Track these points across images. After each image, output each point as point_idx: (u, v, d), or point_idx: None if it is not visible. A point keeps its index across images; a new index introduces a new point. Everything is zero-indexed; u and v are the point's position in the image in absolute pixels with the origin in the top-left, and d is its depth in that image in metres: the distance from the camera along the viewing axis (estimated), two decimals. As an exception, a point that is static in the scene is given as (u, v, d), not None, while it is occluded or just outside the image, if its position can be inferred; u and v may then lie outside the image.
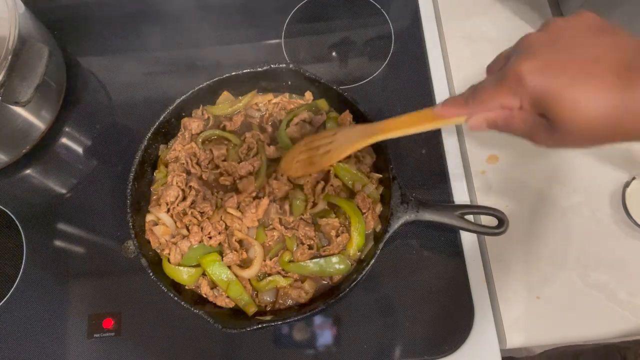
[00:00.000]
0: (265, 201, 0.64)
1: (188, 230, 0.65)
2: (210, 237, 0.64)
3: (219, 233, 0.64)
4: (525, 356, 0.85)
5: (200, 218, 0.65)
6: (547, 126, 0.40)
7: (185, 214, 0.65)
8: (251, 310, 0.62)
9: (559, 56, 0.38)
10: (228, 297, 0.63)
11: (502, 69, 0.42)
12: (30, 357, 0.66)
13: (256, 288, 0.63)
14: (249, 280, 0.64)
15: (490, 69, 0.46)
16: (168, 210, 0.66)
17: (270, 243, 0.65)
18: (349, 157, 0.68)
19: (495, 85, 0.43)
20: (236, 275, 0.63)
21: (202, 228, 0.64)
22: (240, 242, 0.65)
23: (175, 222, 0.66)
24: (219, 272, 0.63)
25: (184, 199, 0.66)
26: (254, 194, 0.66)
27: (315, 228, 0.65)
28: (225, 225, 0.65)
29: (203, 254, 0.64)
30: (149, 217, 0.66)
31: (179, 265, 0.63)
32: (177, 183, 0.67)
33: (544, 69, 0.38)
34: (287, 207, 0.65)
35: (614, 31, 0.39)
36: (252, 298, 0.63)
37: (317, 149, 0.59)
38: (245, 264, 0.64)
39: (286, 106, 0.72)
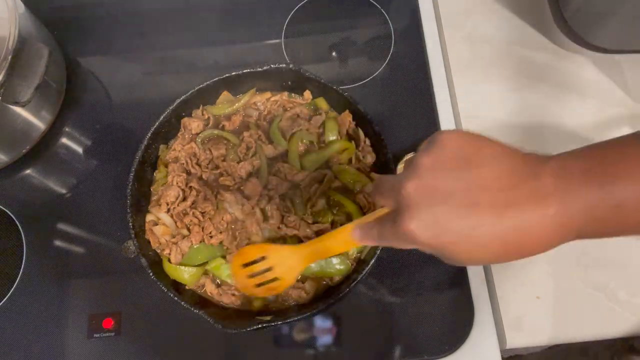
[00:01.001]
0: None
1: (189, 230, 0.65)
2: (211, 236, 0.64)
3: (220, 232, 0.64)
4: (530, 352, 0.85)
5: (201, 218, 0.65)
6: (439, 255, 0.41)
7: (186, 214, 0.65)
8: (258, 304, 0.63)
9: (439, 209, 0.37)
10: (234, 294, 0.63)
11: (394, 212, 0.41)
12: (30, 357, 0.66)
13: None
14: None
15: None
16: (168, 211, 0.66)
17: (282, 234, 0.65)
18: (350, 160, 0.69)
19: (393, 237, 0.42)
20: None
21: (202, 228, 0.64)
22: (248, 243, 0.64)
23: (176, 222, 0.66)
24: (229, 272, 0.63)
25: (185, 199, 0.66)
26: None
27: (316, 232, 0.65)
28: (227, 224, 0.65)
29: (206, 258, 0.64)
30: (149, 217, 0.66)
31: (180, 265, 0.63)
32: (177, 183, 0.67)
33: (431, 229, 0.37)
34: (289, 204, 0.65)
35: (479, 156, 0.37)
36: None
37: (260, 277, 0.57)
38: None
39: (285, 105, 0.72)
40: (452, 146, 0.38)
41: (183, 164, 0.69)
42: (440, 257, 0.41)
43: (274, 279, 0.57)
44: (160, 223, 0.66)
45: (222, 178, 0.68)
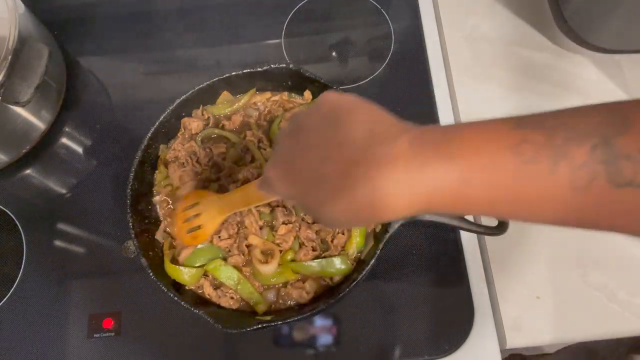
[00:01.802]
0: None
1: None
2: (221, 239, 0.64)
3: (229, 237, 0.64)
4: (537, 354, 0.85)
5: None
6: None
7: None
8: (261, 308, 0.62)
9: (296, 161, 0.39)
10: (232, 297, 0.63)
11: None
12: (30, 357, 0.66)
13: (265, 283, 0.63)
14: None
15: None
16: None
17: (277, 242, 0.65)
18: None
19: (262, 181, 0.47)
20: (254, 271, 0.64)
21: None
22: (248, 246, 0.64)
23: None
24: (227, 274, 0.63)
25: None
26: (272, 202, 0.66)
27: (316, 232, 0.65)
28: (238, 228, 0.65)
29: (208, 259, 0.64)
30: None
31: (182, 265, 0.63)
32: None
33: (284, 176, 0.41)
34: (289, 206, 0.65)
35: (348, 115, 0.38)
36: (262, 296, 0.63)
37: (189, 222, 0.61)
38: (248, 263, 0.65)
39: (285, 104, 0.72)
40: (326, 104, 0.40)
41: (183, 163, 0.69)
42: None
43: (199, 227, 0.60)
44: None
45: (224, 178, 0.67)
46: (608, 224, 0.34)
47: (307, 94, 0.72)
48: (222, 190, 0.66)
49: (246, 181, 0.67)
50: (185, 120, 0.71)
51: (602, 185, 0.32)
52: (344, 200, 0.36)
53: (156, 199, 0.69)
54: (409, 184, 0.34)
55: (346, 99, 0.39)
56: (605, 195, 0.32)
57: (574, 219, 0.35)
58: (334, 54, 0.82)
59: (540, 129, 0.34)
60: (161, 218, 0.68)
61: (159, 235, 0.67)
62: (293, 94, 0.73)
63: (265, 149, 0.69)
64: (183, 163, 0.69)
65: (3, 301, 0.68)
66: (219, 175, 0.67)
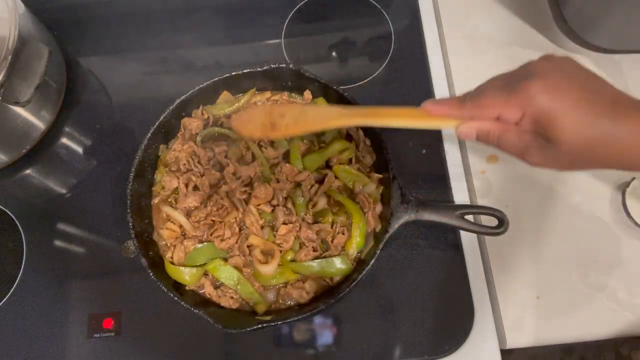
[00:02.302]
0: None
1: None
2: (222, 240, 0.64)
3: (231, 236, 0.64)
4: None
5: (217, 220, 0.65)
6: (541, 144, 0.44)
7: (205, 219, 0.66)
8: (261, 308, 0.63)
9: (564, 82, 0.42)
10: (232, 297, 0.63)
11: (509, 84, 0.44)
12: (30, 357, 0.66)
13: (265, 283, 0.63)
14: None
15: (489, 84, 0.48)
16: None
17: (278, 242, 0.65)
18: (350, 160, 0.69)
19: (502, 95, 0.44)
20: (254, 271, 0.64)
21: (215, 230, 0.65)
22: (249, 246, 0.64)
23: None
24: (227, 274, 0.63)
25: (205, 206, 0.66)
26: (272, 201, 0.66)
27: (317, 232, 0.65)
28: (239, 227, 0.65)
29: (207, 259, 0.64)
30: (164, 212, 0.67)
31: (182, 265, 0.63)
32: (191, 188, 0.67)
33: (552, 91, 0.42)
34: (290, 205, 0.65)
35: (597, 76, 0.44)
36: (262, 296, 0.63)
37: (282, 116, 0.57)
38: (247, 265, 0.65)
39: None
40: (574, 63, 0.44)
41: (184, 164, 0.69)
42: (526, 148, 0.45)
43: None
44: (168, 227, 0.66)
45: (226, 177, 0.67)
46: None
47: (307, 93, 0.72)
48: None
49: (249, 180, 0.67)
50: (185, 120, 0.71)
51: None
52: (604, 126, 0.40)
53: (155, 200, 0.69)
54: None
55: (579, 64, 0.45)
56: None
57: None
58: (334, 54, 0.82)
59: None
60: (154, 222, 0.68)
61: (155, 235, 0.67)
62: (293, 94, 0.73)
63: (265, 147, 0.69)
64: (180, 168, 0.69)
65: (3, 301, 0.68)
66: (222, 174, 0.67)
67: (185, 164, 0.69)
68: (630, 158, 0.42)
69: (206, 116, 0.72)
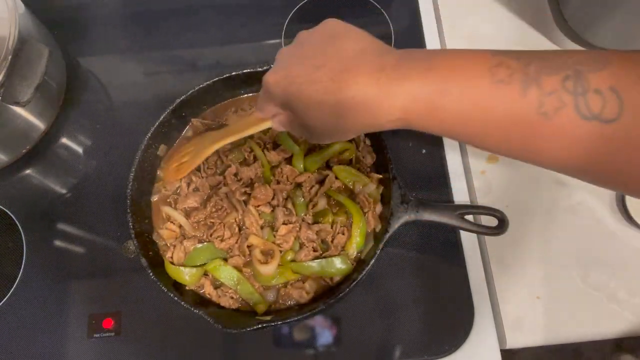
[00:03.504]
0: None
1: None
2: (222, 240, 0.64)
3: (231, 236, 0.64)
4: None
5: (217, 220, 0.65)
6: (300, 124, 0.47)
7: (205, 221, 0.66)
8: (261, 308, 0.63)
9: (294, 67, 0.44)
10: (232, 297, 0.63)
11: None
12: (30, 357, 0.66)
13: (265, 283, 0.63)
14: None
15: None
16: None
17: (278, 242, 0.65)
18: (350, 160, 0.69)
19: (260, 96, 0.51)
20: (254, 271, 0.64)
21: (214, 230, 0.64)
22: (249, 246, 0.64)
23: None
24: (227, 274, 0.63)
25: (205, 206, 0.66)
26: (272, 202, 0.66)
27: (317, 232, 0.65)
28: (239, 227, 0.65)
29: (207, 259, 0.64)
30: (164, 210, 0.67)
31: (182, 265, 0.63)
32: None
33: (282, 80, 0.44)
34: (290, 206, 0.65)
35: (345, 35, 0.44)
36: (262, 296, 0.63)
37: (183, 157, 0.67)
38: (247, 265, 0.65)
39: None
40: (327, 25, 0.46)
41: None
42: (295, 129, 0.50)
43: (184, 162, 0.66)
44: (168, 227, 0.66)
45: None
46: (566, 155, 0.36)
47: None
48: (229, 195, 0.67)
49: (250, 181, 0.67)
50: (195, 121, 0.72)
51: (568, 114, 0.33)
52: (331, 101, 0.40)
53: (154, 197, 0.69)
54: (390, 91, 0.38)
55: (346, 24, 0.45)
56: (570, 125, 0.33)
57: (536, 148, 0.37)
58: (334, 54, 0.82)
59: (518, 58, 0.37)
60: (154, 222, 0.68)
61: (154, 236, 0.67)
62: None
63: (269, 151, 0.69)
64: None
65: (3, 301, 0.68)
66: (223, 176, 0.67)
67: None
68: (372, 122, 0.42)
69: (216, 119, 0.72)
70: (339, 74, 0.40)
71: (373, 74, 0.39)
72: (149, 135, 0.67)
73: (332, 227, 0.65)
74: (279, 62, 0.47)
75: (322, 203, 0.66)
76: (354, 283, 0.60)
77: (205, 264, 0.64)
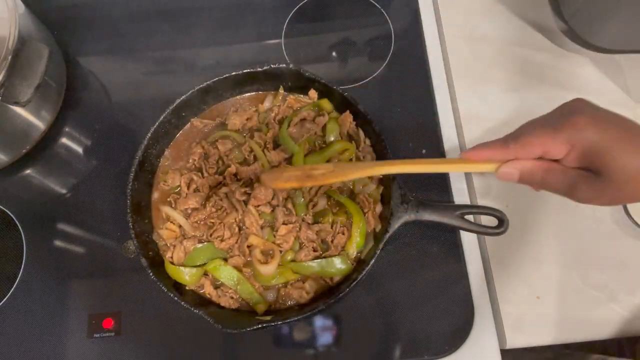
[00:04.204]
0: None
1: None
2: (222, 240, 0.64)
3: (231, 236, 0.64)
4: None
5: (216, 221, 0.65)
6: (589, 179, 0.44)
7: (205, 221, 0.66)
8: (261, 308, 0.62)
9: (607, 117, 0.44)
10: (232, 297, 0.63)
11: (551, 121, 0.46)
12: (30, 357, 0.66)
13: (265, 283, 0.63)
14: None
15: (530, 125, 0.49)
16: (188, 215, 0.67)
17: (278, 242, 0.65)
18: (350, 160, 0.68)
19: (547, 131, 0.45)
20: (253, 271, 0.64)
21: (214, 230, 0.64)
22: (249, 246, 0.64)
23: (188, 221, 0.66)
24: (227, 274, 0.63)
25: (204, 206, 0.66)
26: (272, 202, 0.66)
27: (316, 232, 0.65)
28: (239, 227, 0.65)
29: (207, 259, 0.64)
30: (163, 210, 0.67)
31: (182, 265, 0.63)
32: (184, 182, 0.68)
33: (599, 124, 0.43)
34: (290, 206, 0.65)
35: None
36: (262, 296, 0.63)
37: (315, 169, 0.58)
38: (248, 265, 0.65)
39: (292, 104, 0.72)
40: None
41: (195, 159, 0.70)
42: (573, 184, 0.46)
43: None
44: (168, 227, 0.66)
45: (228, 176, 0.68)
46: None
47: (312, 93, 0.72)
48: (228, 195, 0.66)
49: (250, 181, 0.67)
50: (195, 120, 0.72)
51: None
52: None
53: (155, 195, 0.69)
54: None
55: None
56: None
57: None
58: (334, 54, 0.82)
59: None
60: (153, 222, 0.68)
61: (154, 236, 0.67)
62: (301, 95, 0.73)
63: (269, 151, 0.69)
64: (187, 166, 0.70)
65: (3, 301, 0.68)
66: (223, 176, 0.67)
67: (195, 160, 0.69)
68: None
69: (216, 119, 0.72)
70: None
71: None
72: (149, 135, 0.67)
73: (332, 227, 0.65)
74: (581, 111, 0.45)
75: (322, 203, 0.66)
76: (354, 283, 0.60)
77: (205, 264, 0.64)
